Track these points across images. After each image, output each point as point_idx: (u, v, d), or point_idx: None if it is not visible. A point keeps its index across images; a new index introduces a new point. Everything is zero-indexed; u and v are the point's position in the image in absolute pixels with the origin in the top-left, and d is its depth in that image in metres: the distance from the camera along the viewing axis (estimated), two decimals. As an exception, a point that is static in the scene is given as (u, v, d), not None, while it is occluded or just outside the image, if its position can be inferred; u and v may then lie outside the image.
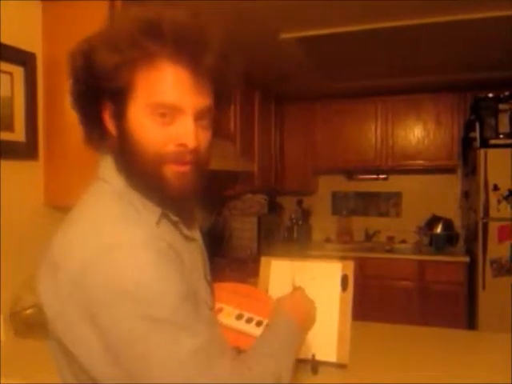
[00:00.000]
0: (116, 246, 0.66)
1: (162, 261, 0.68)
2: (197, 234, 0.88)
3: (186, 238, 0.82)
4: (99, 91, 0.73)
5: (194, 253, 0.85)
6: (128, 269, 0.65)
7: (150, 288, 0.65)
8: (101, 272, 0.65)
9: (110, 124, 0.76)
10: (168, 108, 0.71)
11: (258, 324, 1.24)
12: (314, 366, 1.33)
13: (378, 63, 3.25)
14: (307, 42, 2.68)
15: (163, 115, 0.71)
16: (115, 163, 0.77)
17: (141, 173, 0.73)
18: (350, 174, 4.41)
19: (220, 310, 1.26)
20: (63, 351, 0.71)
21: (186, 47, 0.70)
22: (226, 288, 1.32)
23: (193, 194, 0.77)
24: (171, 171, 0.72)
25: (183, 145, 0.71)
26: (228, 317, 1.25)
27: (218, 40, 0.74)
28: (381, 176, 4.33)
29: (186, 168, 0.73)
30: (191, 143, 0.71)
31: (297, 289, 1.08)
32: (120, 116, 0.73)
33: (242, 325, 1.24)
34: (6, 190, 1.72)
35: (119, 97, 0.72)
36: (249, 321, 1.25)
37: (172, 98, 0.70)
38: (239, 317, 1.25)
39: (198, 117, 0.73)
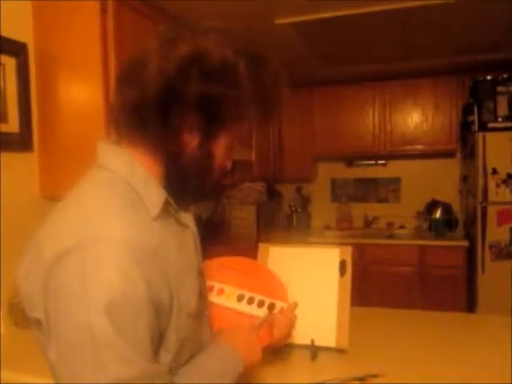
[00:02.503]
0: (93, 240, 0.65)
1: (135, 266, 0.65)
2: (190, 221, 0.87)
3: (181, 225, 0.82)
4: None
5: (187, 242, 0.84)
6: (96, 268, 0.63)
7: (108, 295, 0.62)
8: (70, 265, 0.64)
9: (188, 136, 0.77)
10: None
11: (260, 304, 1.25)
12: (314, 351, 1.33)
13: (374, 47, 3.21)
14: (302, 26, 2.65)
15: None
16: (169, 163, 0.79)
17: (202, 182, 0.82)
18: (349, 160, 4.40)
19: (221, 291, 1.27)
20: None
21: (267, 112, 0.82)
22: (226, 265, 1.33)
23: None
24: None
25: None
26: (229, 298, 1.26)
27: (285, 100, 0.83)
28: (379, 162, 4.32)
29: None
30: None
31: (255, 325, 1.06)
32: (209, 137, 0.78)
33: (243, 306, 1.25)
34: (1, 181, 1.71)
35: (217, 121, 0.77)
36: (250, 301, 1.25)
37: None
38: (240, 298, 1.26)
39: None
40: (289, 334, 1.21)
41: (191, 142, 0.77)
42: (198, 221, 0.92)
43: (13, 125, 1.78)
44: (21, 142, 1.82)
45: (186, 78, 0.72)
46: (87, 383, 0.62)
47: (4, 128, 1.74)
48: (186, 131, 0.75)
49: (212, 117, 0.76)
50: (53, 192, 1.81)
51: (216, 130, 0.78)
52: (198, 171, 0.80)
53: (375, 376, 1.19)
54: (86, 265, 0.63)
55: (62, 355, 0.64)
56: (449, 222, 3.90)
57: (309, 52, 3.24)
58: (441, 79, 3.84)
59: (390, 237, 3.95)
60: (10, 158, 1.77)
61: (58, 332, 0.64)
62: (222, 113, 0.76)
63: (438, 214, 3.93)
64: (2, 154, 1.73)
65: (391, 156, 4.17)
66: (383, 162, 4.31)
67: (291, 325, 1.21)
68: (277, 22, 2.57)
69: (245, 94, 0.76)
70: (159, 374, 0.69)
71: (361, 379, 1.18)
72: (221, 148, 0.80)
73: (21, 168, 1.83)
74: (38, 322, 0.69)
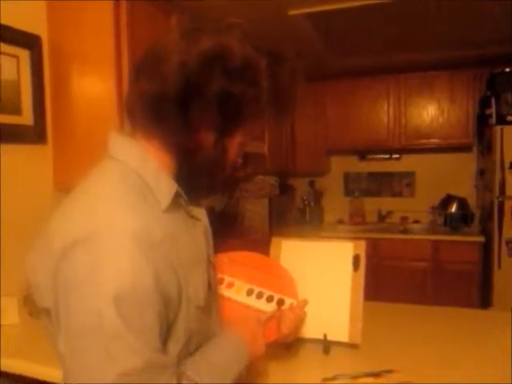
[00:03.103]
0: (103, 232, 0.65)
1: (144, 257, 0.65)
2: (202, 214, 0.87)
3: (192, 217, 0.82)
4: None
5: (197, 234, 0.84)
6: (105, 259, 0.63)
7: (117, 286, 0.62)
8: (79, 256, 0.64)
9: (205, 132, 0.76)
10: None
11: (269, 299, 1.24)
12: (326, 346, 1.32)
13: (390, 39, 3.16)
14: (316, 17, 2.61)
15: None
16: (181, 158, 0.79)
17: (214, 177, 0.82)
18: (363, 154, 4.36)
19: (231, 284, 1.27)
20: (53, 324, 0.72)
21: (283, 111, 0.85)
22: (236, 260, 1.33)
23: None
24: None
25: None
26: (239, 292, 1.25)
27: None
28: (394, 156, 4.27)
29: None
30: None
31: (262, 320, 1.06)
32: (225, 134, 0.78)
33: (252, 301, 1.24)
34: (16, 173, 1.73)
35: (237, 117, 0.77)
36: (259, 296, 1.25)
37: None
38: (250, 292, 1.26)
39: None
40: (297, 331, 1.20)
41: (207, 138, 0.76)
42: (211, 213, 0.92)
43: (27, 117, 1.79)
44: (35, 134, 1.83)
45: (208, 74, 0.71)
46: (96, 374, 0.62)
47: (18, 120, 1.75)
48: (204, 127, 0.75)
49: (231, 115, 0.75)
50: (67, 184, 1.81)
51: (233, 127, 0.78)
52: (211, 167, 0.80)
53: (390, 372, 1.18)
54: (95, 256, 0.63)
55: (71, 346, 0.65)
56: (464, 217, 3.84)
57: (322, 44, 3.20)
58: (457, 72, 3.77)
59: (404, 231, 3.90)
60: (24, 150, 1.79)
61: (67, 323, 0.65)
62: (242, 111, 0.76)
63: (453, 209, 3.87)
64: (16, 145, 1.74)
65: (406, 150, 4.11)
66: (397, 155, 4.25)
67: (300, 321, 1.20)
68: (291, 13, 2.54)
69: (264, 93, 0.77)
70: (167, 365, 0.69)
71: (376, 375, 1.17)
72: (235, 145, 0.81)
73: (35, 160, 1.84)
74: (48, 313, 0.70)
